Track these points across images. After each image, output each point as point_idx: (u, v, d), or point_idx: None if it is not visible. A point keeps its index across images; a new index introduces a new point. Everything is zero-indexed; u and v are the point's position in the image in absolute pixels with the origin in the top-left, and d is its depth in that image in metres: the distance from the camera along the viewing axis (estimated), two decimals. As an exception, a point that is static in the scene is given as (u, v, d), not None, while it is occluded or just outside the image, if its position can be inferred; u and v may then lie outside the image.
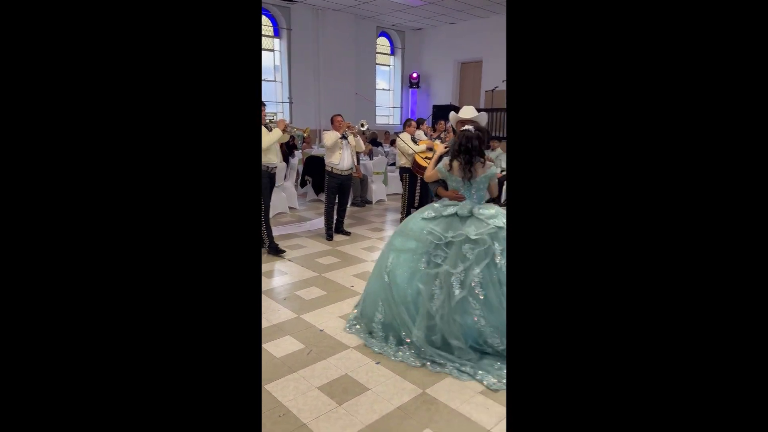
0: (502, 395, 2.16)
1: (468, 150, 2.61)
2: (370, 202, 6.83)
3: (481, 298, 2.40)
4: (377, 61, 10.97)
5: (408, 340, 2.51)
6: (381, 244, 4.60)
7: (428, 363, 2.41)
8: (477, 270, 2.40)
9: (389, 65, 11.59)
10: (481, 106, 10.40)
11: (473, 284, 2.40)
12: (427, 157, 4.95)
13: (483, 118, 2.97)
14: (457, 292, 2.39)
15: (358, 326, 2.82)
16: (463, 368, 2.35)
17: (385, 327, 2.63)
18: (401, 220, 4.44)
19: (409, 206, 5.36)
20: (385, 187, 7.06)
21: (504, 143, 7.47)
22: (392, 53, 11.55)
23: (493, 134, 9.08)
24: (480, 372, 2.32)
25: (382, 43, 11.25)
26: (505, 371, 2.32)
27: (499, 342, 2.41)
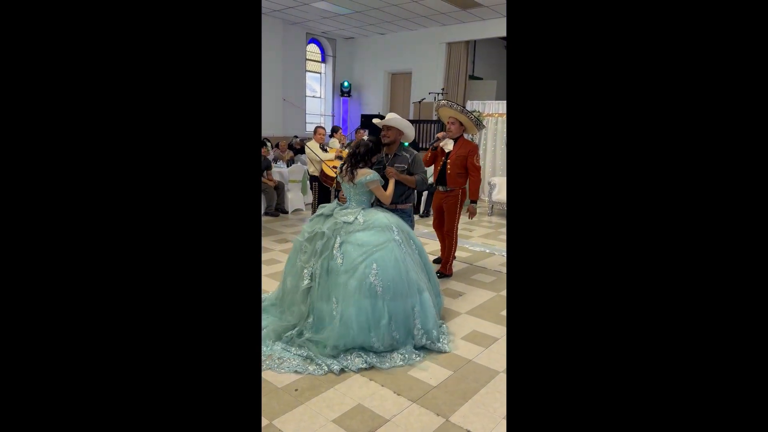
0: (357, 422, 2.00)
1: (355, 155, 2.77)
2: (286, 212, 6.58)
3: (308, 288, 2.62)
4: (307, 68, 10.77)
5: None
6: (283, 257, 4.35)
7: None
8: (318, 263, 2.62)
9: (320, 72, 11.43)
10: (410, 117, 10.46)
11: (314, 275, 2.62)
12: (334, 166, 4.80)
13: (407, 128, 3.21)
14: (305, 282, 2.61)
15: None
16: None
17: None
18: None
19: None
20: (302, 196, 6.83)
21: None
22: (323, 61, 11.40)
23: (420, 145, 9.13)
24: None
25: (312, 50, 11.07)
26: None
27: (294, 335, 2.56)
